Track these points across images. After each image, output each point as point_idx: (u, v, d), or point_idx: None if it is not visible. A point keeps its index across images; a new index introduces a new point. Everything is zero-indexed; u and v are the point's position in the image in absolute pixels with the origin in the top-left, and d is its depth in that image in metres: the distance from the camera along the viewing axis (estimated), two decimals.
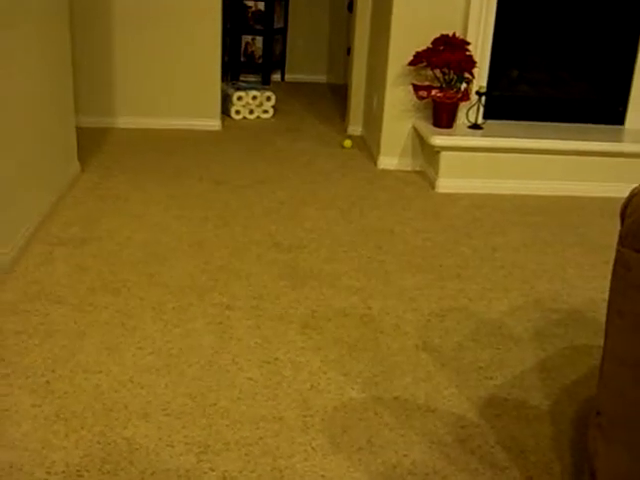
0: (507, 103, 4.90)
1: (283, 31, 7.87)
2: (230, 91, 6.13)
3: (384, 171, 4.89)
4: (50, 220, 3.70)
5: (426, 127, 4.63)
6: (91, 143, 5.09)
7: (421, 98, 4.62)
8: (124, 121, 5.63)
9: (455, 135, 4.53)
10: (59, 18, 3.95)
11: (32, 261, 3.24)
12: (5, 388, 2.32)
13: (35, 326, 2.70)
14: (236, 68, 7.66)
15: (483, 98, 4.59)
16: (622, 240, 1.64)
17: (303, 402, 2.34)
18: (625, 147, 4.56)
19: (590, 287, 3.30)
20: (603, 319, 2.99)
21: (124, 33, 5.44)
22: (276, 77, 8.01)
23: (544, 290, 3.26)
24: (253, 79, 7.59)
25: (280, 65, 8.02)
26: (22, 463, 1.99)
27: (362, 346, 2.70)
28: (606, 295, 3.21)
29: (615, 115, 4.95)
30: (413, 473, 2.04)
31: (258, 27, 7.55)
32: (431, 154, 4.67)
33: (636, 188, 1.67)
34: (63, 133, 4.11)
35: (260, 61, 7.67)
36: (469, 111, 4.64)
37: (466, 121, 4.66)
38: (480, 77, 4.64)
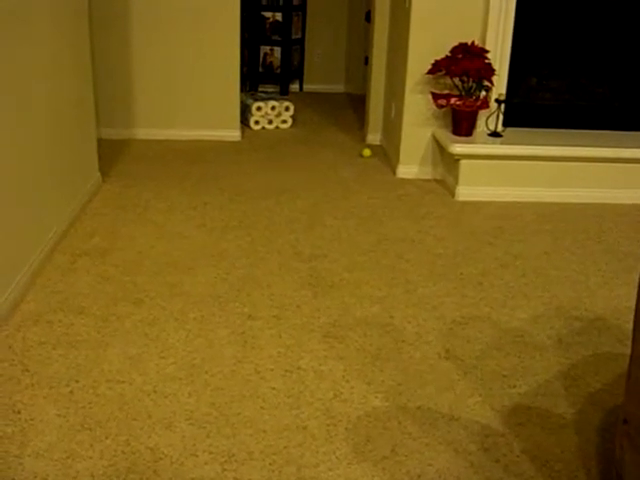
0: (527, 110, 4.88)
1: (301, 41, 7.88)
2: (249, 102, 6.15)
3: (403, 180, 4.89)
4: (72, 231, 3.72)
5: (445, 135, 4.63)
6: (112, 154, 5.12)
7: (440, 106, 4.61)
8: (144, 132, 5.66)
9: (475, 143, 4.52)
10: (79, 32, 3.99)
11: (55, 272, 3.26)
12: (30, 398, 2.33)
13: (58, 336, 2.71)
14: (255, 79, 7.69)
15: (502, 106, 4.58)
16: None
17: (326, 411, 2.34)
18: None
19: (613, 295, 3.28)
20: (627, 326, 2.97)
21: (143, 45, 5.48)
22: (294, 87, 8.02)
23: (566, 298, 3.24)
24: (272, 89, 7.61)
25: (298, 75, 8.03)
26: (47, 473, 2.00)
27: (385, 355, 2.69)
28: (629, 303, 3.19)
29: (636, 121, 4.92)
30: None
31: (276, 38, 7.57)
32: (451, 162, 4.66)
33: None
34: (84, 144, 4.14)
35: (278, 71, 7.68)
36: (488, 119, 4.63)
37: (486, 129, 4.65)
38: (499, 85, 4.62)
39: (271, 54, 7.63)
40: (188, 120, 5.70)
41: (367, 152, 5.42)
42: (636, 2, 4.63)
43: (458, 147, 4.44)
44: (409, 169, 4.93)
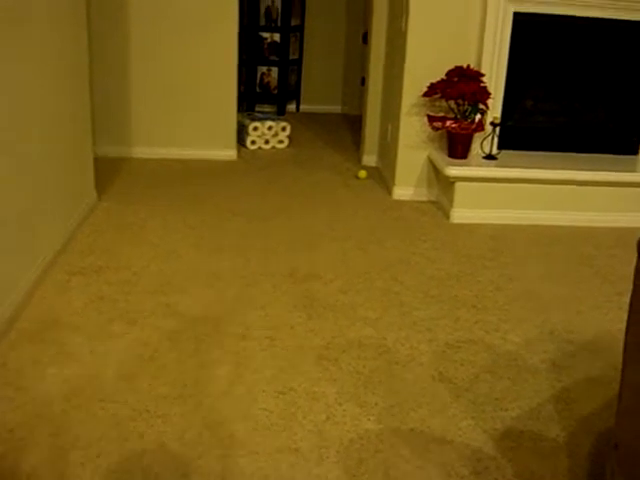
0: (521, 133, 4.92)
1: (298, 62, 7.93)
2: (246, 121, 6.18)
3: (399, 202, 4.90)
4: (67, 249, 3.72)
5: (441, 158, 4.65)
6: (108, 172, 5.13)
7: (436, 129, 4.64)
8: (140, 151, 5.67)
9: (470, 166, 4.54)
10: (77, 50, 4.01)
11: (49, 290, 3.26)
12: (22, 417, 2.33)
13: (52, 355, 2.71)
14: (252, 99, 7.72)
15: (497, 129, 4.61)
16: (639, 273, 1.64)
17: (319, 433, 2.34)
18: None
19: (606, 318, 3.29)
20: (619, 350, 2.97)
21: (140, 64, 5.51)
22: (291, 107, 8.05)
23: (559, 321, 3.25)
24: (268, 109, 7.65)
25: (295, 96, 8.07)
26: None
27: (378, 377, 2.70)
28: (622, 326, 3.18)
29: (629, 145, 4.96)
30: None
31: (273, 58, 7.62)
32: (446, 184, 4.68)
33: None
34: (81, 162, 4.15)
35: (275, 92, 7.72)
36: (483, 142, 4.65)
37: (481, 152, 4.68)
38: (494, 108, 4.65)
39: (268, 74, 7.67)
40: (185, 139, 5.72)
41: (363, 174, 5.44)
42: (630, 26, 4.67)
43: (453, 170, 4.47)
44: (405, 191, 4.95)
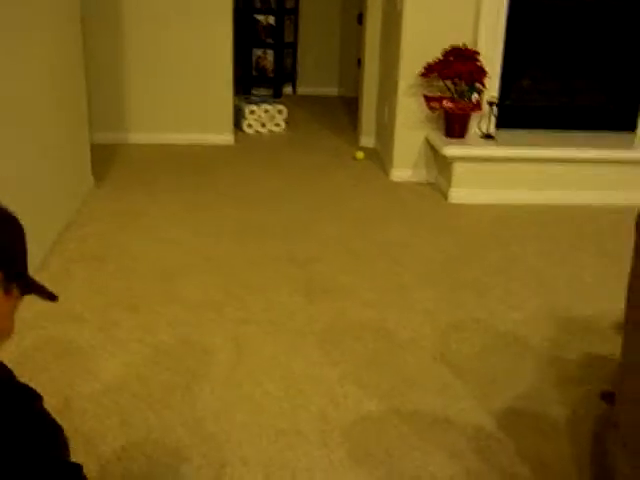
0: (519, 112, 4.90)
1: (294, 45, 7.89)
2: (242, 105, 6.16)
3: (397, 183, 4.89)
4: (66, 236, 3.71)
5: (438, 138, 4.64)
6: (104, 159, 5.11)
7: (433, 109, 4.63)
8: (137, 137, 5.65)
9: (467, 145, 4.53)
10: (72, 37, 4.00)
11: (49, 278, 3.25)
12: None
13: (53, 343, 2.71)
14: (248, 82, 7.69)
15: (495, 108, 4.60)
16: (638, 251, 1.64)
17: (321, 415, 2.34)
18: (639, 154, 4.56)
19: (607, 297, 3.29)
20: (620, 330, 2.98)
21: (135, 49, 5.48)
22: (287, 90, 8.02)
23: (560, 300, 3.26)
24: (265, 93, 7.61)
25: (291, 78, 8.03)
26: None
27: (379, 359, 2.70)
28: (622, 305, 3.19)
29: (627, 122, 4.93)
30: None
31: (269, 41, 7.58)
32: (444, 165, 4.67)
33: None
34: (77, 149, 4.14)
35: (271, 75, 7.69)
36: (481, 121, 4.64)
37: (478, 131, 4.66)
38: (491, 87, 4.63)
39: (264, 57, 7.64)
40: (181, 124, 5.70)
41: (360, 155, 5.43)
42: (628, 4, 4.65)
43: (451, 149, 4.46)
44: (403, 172, 4.94)
